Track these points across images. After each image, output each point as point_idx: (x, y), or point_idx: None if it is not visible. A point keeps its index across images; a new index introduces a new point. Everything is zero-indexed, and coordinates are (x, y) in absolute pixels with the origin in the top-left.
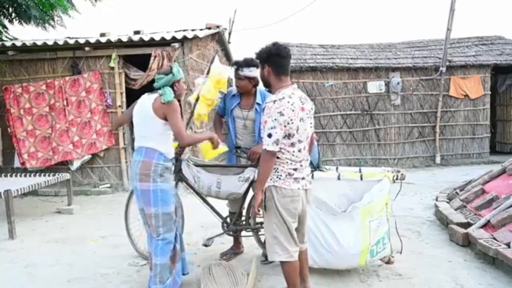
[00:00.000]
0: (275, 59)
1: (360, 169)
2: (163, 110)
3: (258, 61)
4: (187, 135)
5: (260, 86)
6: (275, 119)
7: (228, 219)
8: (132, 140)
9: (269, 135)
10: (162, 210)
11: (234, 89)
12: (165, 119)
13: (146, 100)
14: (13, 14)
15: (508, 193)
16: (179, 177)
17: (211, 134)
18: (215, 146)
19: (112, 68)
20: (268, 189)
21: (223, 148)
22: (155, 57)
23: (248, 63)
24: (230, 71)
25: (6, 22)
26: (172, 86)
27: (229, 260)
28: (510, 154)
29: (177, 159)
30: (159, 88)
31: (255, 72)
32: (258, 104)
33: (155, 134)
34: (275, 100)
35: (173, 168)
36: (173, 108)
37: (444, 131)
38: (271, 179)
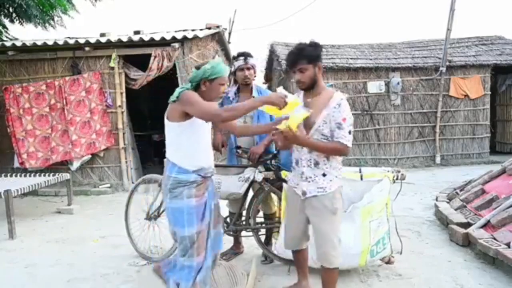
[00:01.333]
0: (322, 56)
1: (360, 169)
2: (175, 109)
3: (307, 59)
4: (219, 110)
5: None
6: (351, 117)
7: (228, 219)
8: (134, 140)
9: (350, 132)
10: (176, 231)
11: (231, 90)
12: (179, 119)
13: None
14: (13, 14)
15: (508, 193)
16: None
17: (264, 97)
18: (280, 106)
19: (112, 68)
20: (338, 191)
21: (294, 101)
22: (155, 57)
23: (250, 54)
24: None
25: (6, 22)
26: (198, 84)
27: (229, 260)
28: (510, 154)
29: None
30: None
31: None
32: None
33: (168, 141)
34: (342, 98)
35: (199, 182)
36: (184, 100)
37: (444, 131)
38: (339, 180)
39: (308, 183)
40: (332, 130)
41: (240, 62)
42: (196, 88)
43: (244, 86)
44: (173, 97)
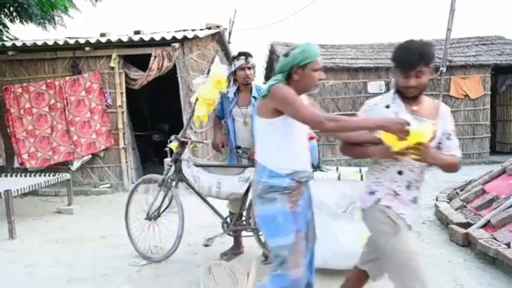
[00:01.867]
0: None
1: (360, 169)
2: (265, 105)
3: (427, 61)
4: (321, 117)
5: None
6: None
7: (228, 219)
8: (134, 141)
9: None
10: (269, 241)
11: (230, 90)
12: (270, 115)
13: None
14: (14, 13)
15: (508, 193)
16: (179, 177)
17: (380, 120)
18: (400, 136)
19: (112, 68)
20: None
21: (420, 131)
22: (155, 57)
23: (251, 53)
24: (226, 71)
25: (7, 21)
26: (289, 74)
27: (229, 260)
28: (510, 154)
29: (177, 159)
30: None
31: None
32: (254, 98)
33: (258, 140)
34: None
35: (293, 187)
36: (277, 97)
37: None
38: None
39: (417, 208)
40: (439, 142)
41: (241, 61)
42: (288, 78)
43: (244, 86)
44: (263, 91)
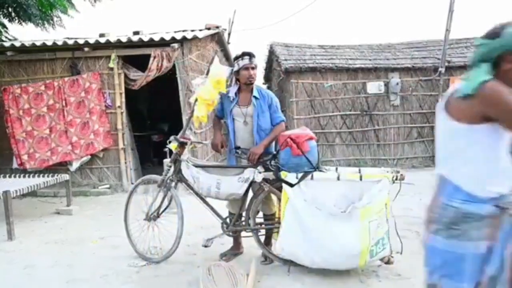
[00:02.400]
0: None
1: (359, 170)
2: (469, 108)
3: None
4: None
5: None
6: None
7: (227, 220)
8: (133, 141)
9: None
10: (442, 283)
11: (231, 90)
12: (472, 120)
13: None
14: (13, 14)
15: None
16: (179, 177)
17: None
18: None
19: (112, 69)
20: None
21: None
22: (154, 57)
23: (254, 54)
24: (228, 71)
25: (5, 21)
26: (496, 62)
27: (228, 261)
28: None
29: (177, 160)
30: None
31: None
32: (255, 97)
33: (450, 152)
34: None
35: (495, 216)
36: (493, 99)
37: None
38: None
39: None
40: None
41: (245, 61)
42: (493, 68)
43: (245, 86)
44: (467, 89)
